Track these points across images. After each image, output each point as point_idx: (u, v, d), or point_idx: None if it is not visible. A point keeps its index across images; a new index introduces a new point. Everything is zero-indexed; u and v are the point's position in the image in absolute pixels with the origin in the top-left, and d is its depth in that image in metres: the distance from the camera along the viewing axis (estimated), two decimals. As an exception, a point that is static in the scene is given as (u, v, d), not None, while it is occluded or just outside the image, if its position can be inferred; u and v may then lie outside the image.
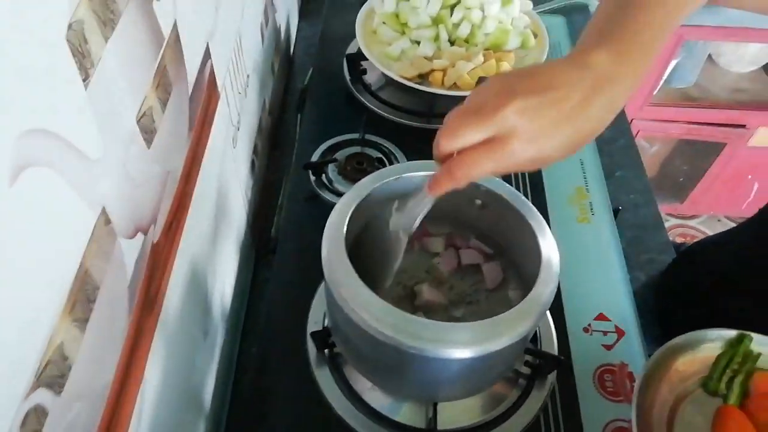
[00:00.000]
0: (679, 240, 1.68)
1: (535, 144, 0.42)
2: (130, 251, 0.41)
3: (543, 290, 0.51)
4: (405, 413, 0.64)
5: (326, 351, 0.67)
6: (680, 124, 1.81)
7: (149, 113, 0.43)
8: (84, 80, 0.33)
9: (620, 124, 1.04)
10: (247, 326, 0.79)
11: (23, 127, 0.28)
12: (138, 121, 0.41)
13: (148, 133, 0.43)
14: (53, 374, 0.30)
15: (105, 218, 0.36)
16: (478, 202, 0.63)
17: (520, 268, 0.63)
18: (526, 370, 0.66)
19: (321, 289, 0.72)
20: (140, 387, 0.43)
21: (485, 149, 0.42)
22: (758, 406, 0.53)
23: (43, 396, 0.30)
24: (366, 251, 0.58)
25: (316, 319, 0.70)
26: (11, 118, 0.27)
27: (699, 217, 2.17)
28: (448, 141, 0.43)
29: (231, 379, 0.74)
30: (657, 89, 1.73)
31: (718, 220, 2.16)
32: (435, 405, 0.61)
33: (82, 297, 0.34)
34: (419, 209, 0.52)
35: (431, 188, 0.47)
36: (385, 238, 0.55)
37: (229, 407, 0.72)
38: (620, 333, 0.70)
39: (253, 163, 0.86)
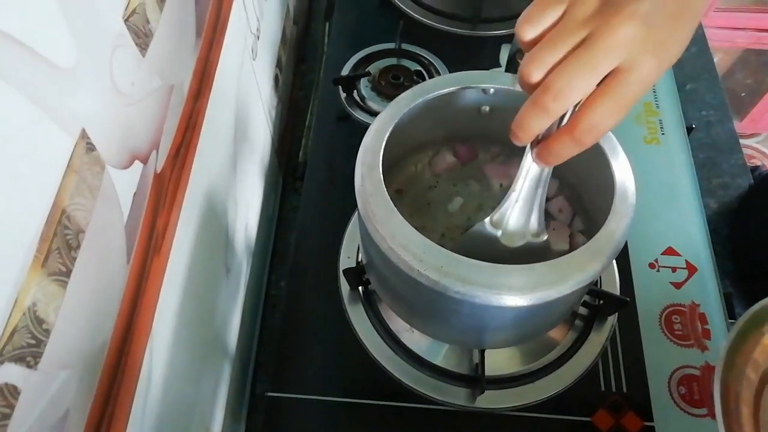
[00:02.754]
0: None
1: (657, 57, 0.31)
2: (126, 184, 0.34)
3: (617, 225, 0.43)
4: (446, 356, 0.58)
5: (360, 288, 0.61)
6: (748, 32, 1.63)
7: (141, 11, 0.35)
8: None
9: (692, 30, 0.91)
10: (275, 259, 0.73)
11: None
12: (126, 21, 0.33)
13: (142, 36, 0.35)
14: (24, 344, 0.24)
15: (86, 144, 0.29)
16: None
17: (582, 198, 0.55)
18: (583, 311, 0.59)
19: (354, 220, 0.65)
20: (148, 341, 0.37)
21: (606, 93, 0.31)
22: None
23: (11, 372, 0.24)
24: None
25: (350, 252, 0.64)
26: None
27: (758, 136, 2.00)
28: (554, 98, 0.31)
29: (259, 316, 0.69)
30: (725, -8, 1.55)
31: (781, 141, 2.00)
32: (483, 351, 0.55)
33: (61, 244, 0.27)
34: (536, 197, 0.43)
35: (541, 156, 0.37)
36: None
37: (257, 347, 0.67)
38: (691, 269, 0.62)
39: (276, 78, 0.77)
